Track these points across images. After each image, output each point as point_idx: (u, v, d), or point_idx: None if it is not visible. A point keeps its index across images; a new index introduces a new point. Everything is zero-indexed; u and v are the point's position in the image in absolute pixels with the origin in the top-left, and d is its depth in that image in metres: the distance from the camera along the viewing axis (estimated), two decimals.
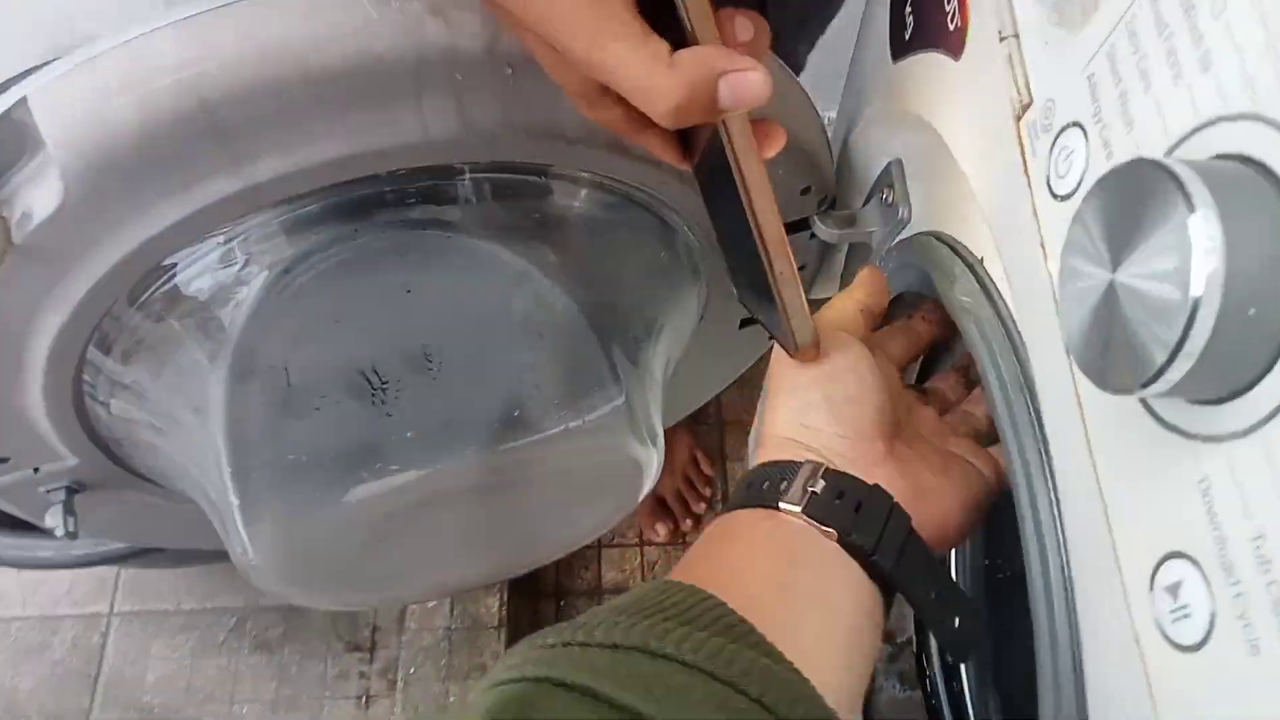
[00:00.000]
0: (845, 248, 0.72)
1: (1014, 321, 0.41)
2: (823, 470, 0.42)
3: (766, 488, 0.42)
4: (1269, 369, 0.25)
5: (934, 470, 0.45)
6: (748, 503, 0.42)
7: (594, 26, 0.34)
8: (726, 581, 0.37)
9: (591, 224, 0.62)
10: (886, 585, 0.41)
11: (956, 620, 0.42)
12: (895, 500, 0.42)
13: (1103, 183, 0.27)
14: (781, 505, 0.41)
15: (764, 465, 0.44)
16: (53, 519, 0.67)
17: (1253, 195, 0.24)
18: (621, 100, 0.37)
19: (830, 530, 0.40)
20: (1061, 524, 0.37)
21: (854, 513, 0.40)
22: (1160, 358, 0.25)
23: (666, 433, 0.71)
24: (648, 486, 0.69)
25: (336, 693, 1.30)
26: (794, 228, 0.64)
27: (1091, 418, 0.34)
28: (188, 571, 1.37)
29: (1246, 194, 0.24)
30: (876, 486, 0.42)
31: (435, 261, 0.58)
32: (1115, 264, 0.26)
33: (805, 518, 0.40)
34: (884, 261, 0.53)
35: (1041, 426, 0.38)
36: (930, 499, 0.43)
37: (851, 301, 0.48)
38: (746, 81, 0.34)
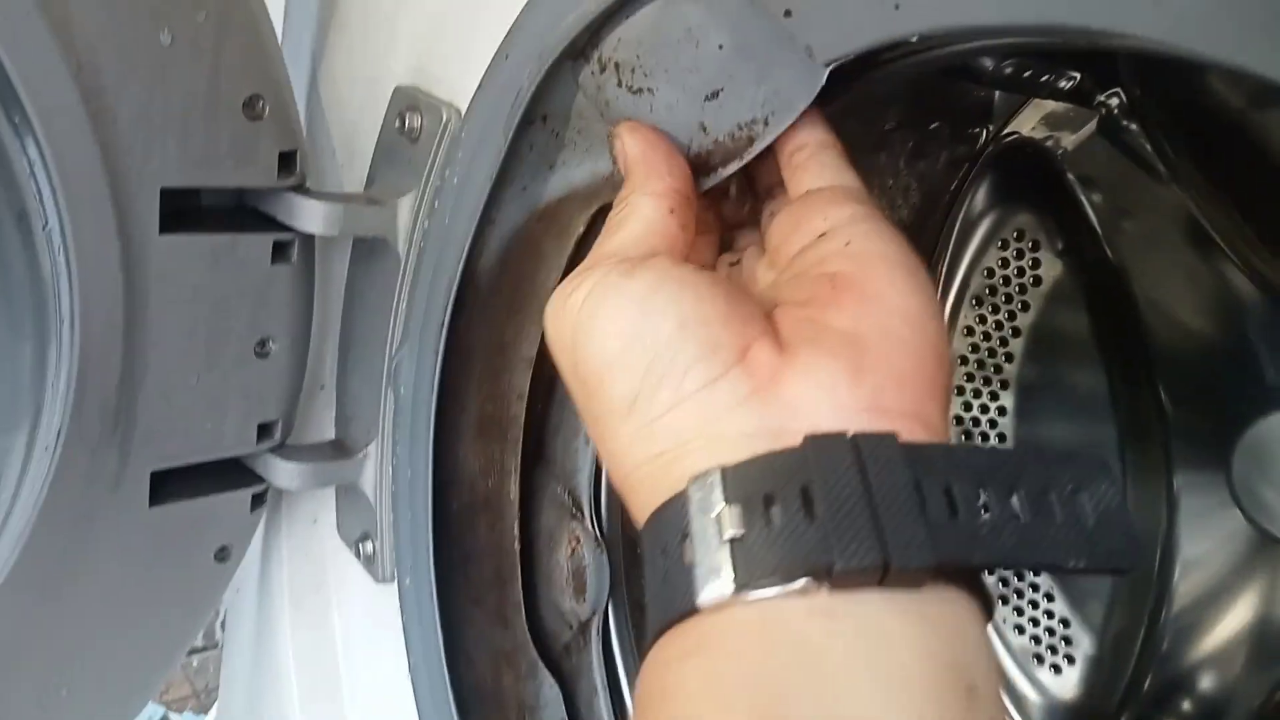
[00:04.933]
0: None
1: None
2: (712, 476, 0.25)
3: (669, 575, 0.25)
4: None
5: (835, 292, 0.28)
6: (661, 621, 0.26)
7: None
8: None
9: None
10: (974, 585, 0.25)
11: (1108, 536, 0.25)
12: (844, 429, 0.25)
13: None
14: (699, 601, 0.24)
15: (647, 525, 0.27)
16: None
17: None
18: None
19: (790, 580, 0.23)
20: None
21: (804, 514, 0.23)
22: None
23: None
24: None
25: None
26: None
27: None
28: None
29: None
30: (808, 436, 0.25)
31: None
32: None
33: (744, 596, 0.24)
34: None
35: None
36: (876, 343, 0.27)
37: (652, 206, 0.33)
38: None
